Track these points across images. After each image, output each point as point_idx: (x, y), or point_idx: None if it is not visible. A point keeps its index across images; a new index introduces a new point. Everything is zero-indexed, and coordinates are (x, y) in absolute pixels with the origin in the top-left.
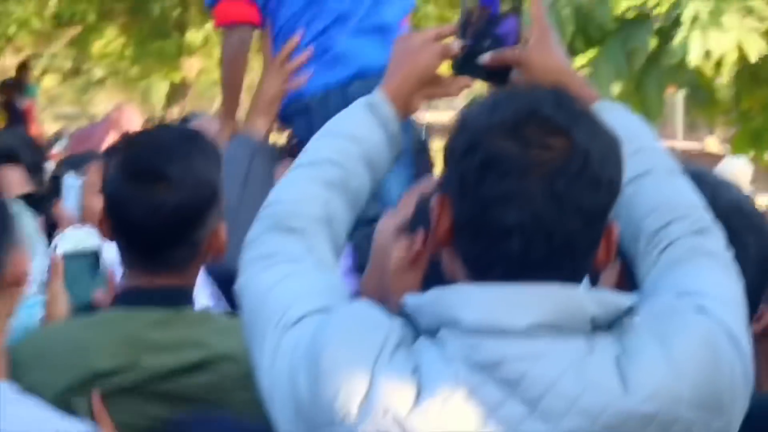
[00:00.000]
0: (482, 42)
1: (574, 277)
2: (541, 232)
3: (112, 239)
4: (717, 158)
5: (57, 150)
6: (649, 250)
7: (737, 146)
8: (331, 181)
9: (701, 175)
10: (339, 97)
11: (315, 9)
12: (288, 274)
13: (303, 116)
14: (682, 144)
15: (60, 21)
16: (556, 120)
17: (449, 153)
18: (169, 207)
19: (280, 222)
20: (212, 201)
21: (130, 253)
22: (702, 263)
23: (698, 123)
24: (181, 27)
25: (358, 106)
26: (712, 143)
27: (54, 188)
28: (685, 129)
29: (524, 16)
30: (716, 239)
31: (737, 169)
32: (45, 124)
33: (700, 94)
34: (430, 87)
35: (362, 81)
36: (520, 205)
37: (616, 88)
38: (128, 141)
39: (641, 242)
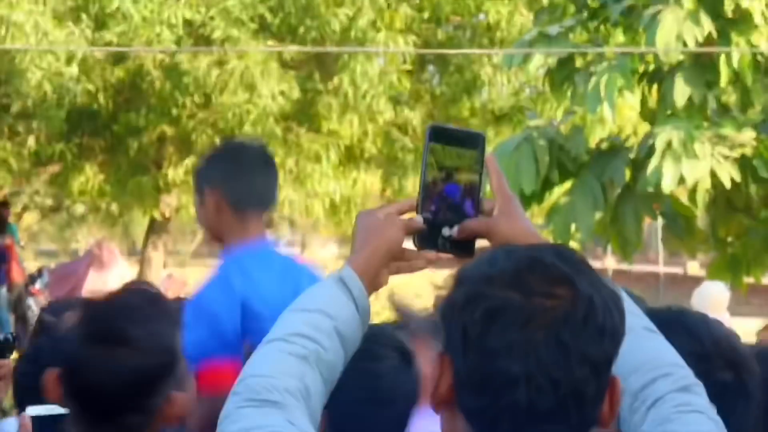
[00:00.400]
0: (443, 215)
1: (581, 428)
2: (548, 382)
3: (62, 404)
4: (699, 282)
5: (39, 287)
6: (636, 408)
7: (714, 273)
8: (305, 355)
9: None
10: None
11: None
12: None
13: None
14: (664, 269)
15: (39, 159)
16: (559, 269)
17: (448, 308)
18: (127, 371)
19: (258, 395)
20: (170, 368)
21: (81, 419)
22: (690, 420)
23: (680, 248)
24: (159, 164)
25: (329, 281)
26: (694, 267)
27: (41, 330)
28: (666, 254)
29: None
30: (701, 396)
31: (715, 294)
32: (26, 262)
33: (677, 222)
34: (395, 262)
35: None
36: (525, 354)
37: (594, 218)
38: (89, 303)
39: (626, 400)
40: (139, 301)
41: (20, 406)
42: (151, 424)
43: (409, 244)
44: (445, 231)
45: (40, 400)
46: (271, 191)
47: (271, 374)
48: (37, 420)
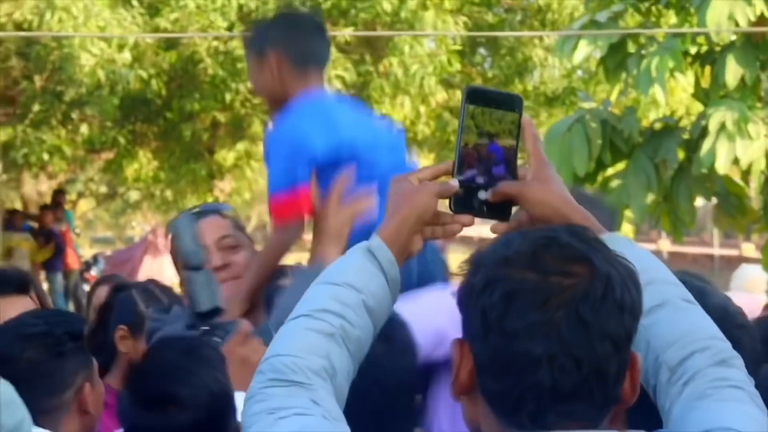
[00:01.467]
0: (479, 179)
1: (604, 406)
2: (570, 360)
3: None
4: (755, 264)
5: (95, 273)
6: (673, 382)
7: None
8: (332, 332)
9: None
10: None
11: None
12: (300, 427)
13: None
14: (719, 251)
15: (93, 147)
16: (574, 247)
17: (466, 293)
18: (186, 427)
19: (282, 376)
20: (227, 410)
21: None
22: (727, 395)
23: (734, 230)
24: (212, 150)
25: (357, 252)
26: (749, 249)
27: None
28: (722, 236)
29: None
30: (739, 370)
31: (752, 276)
32: (82, 249)
33: (731, 202)
34: (431, 227)
35: None
36: (546, 334)
37: (647, 198)
38: (134, 369)
39: (663, 374)
40: (177, 356)
41: None
42: None
43: (445, 208)
44: (482, 195)
45: None
46: (327, 49)
47: (296, 353)
48: None
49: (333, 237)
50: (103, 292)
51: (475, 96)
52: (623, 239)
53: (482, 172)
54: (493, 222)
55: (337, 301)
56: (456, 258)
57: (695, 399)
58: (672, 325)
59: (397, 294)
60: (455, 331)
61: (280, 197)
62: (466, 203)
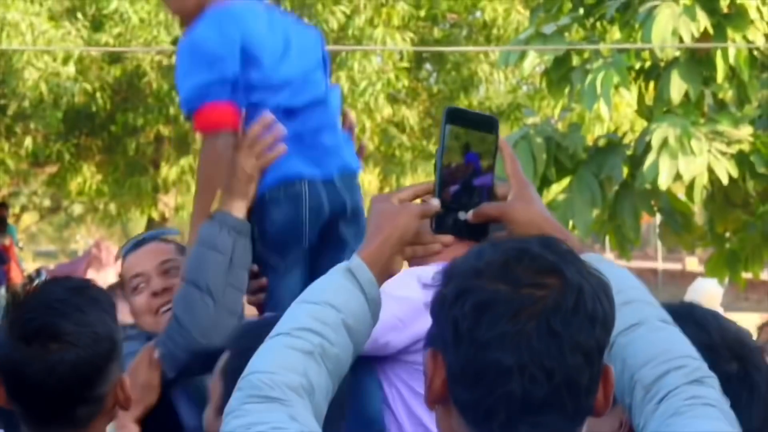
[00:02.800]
0: (460, 199)
1: (576, 418)
2: (541, 371)
3: (8, 405)
4: (698, 278)
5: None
6: (648, 400)
7: (712, 268)
8: (310, 350)
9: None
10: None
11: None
12: None
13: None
14: (662, 265)
15: (37, 160)
16: (545, 258)
17: (438, 303)
18: (66, 365)
19: (259, 392)
20: (111, 354)
21: (30, 416)
22: (701, 413)
23: (677, 244)
24: (156, 163)
25: (337, 272)
26: (693, 263)
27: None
28: (665, 250)
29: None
30: (713, 389)
31: (708, 290)
32: (25, 262)
33: (675, 218)
34: (411, 246)
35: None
36: (517, 345)
37: (592, 214)
38: (17, 300)
39: (638, 392)
40: (65, 292)
41: None
42: (101, 411)
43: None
44: (461, 215)
45: None
46: None
47: (274, 370)
48: None
49: (239, 190)
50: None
51: (455, 117)
52: (601, 258)
53: (463, 193)
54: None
55: (316, 319)
56: None
57: (669, 416)
58: (648, 345)
59: (377, 314)
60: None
61: (207, 107)
62: (446, 223)
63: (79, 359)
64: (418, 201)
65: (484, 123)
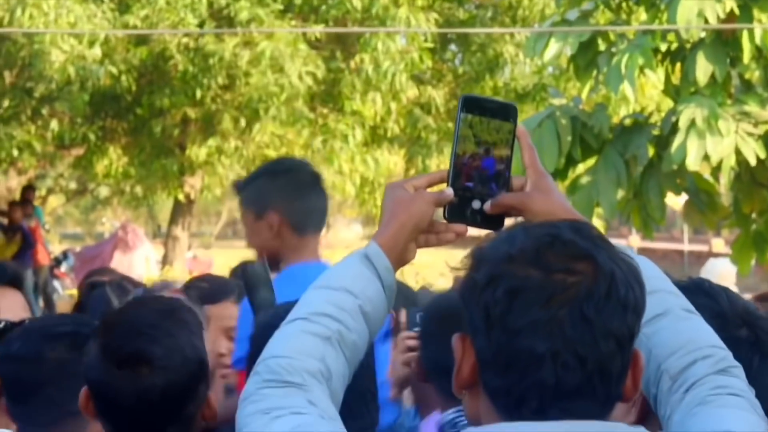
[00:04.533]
0: (474, 188)
1: (607, 404)
2: (574, 358)
3: (98, 420)
4: (723, 258)
5: (64, 269)
6: (674, 390)
7: (738, 249)
8: (328, 335)
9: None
10: None
11: None
12: (296, 425)
13: None
14: (689, 247)
15: (63, 143)
16: (577, 244)
17: (469, 288)
18: (157, 389)
19: (277, 377)
20: (200, 375)
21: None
22: (727, 402)
23: (704, 226)
24: (183, 146)
25: (354, 258)
26: (719, 245)
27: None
28: (691, 232)
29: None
30: (739, 378)
31: (720, 269)
32: (51, 245)
33: (701, 199)
34: (425, 235)
35: None
36: (549, 331)
37: (617, 194)
38: (107, 323)
39: (664, 383)
40: (155, 316)
41: None
42: (190, 429)
43: (438, 217)
44: (475, 204)
45: None
46: (325, 213)
47: (292, 355)
48: None
49: None
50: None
51: (471, 105)
52: (626, 248)
53: (478, 182)
54: (486, 231)
55: (334, 305)
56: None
57: (695, 405)
58: (674, 334)
59: (392, 300)
60: None
61: (242, 375)
62: (460, 212)
63: (169, 383)
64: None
65: (501, 111)
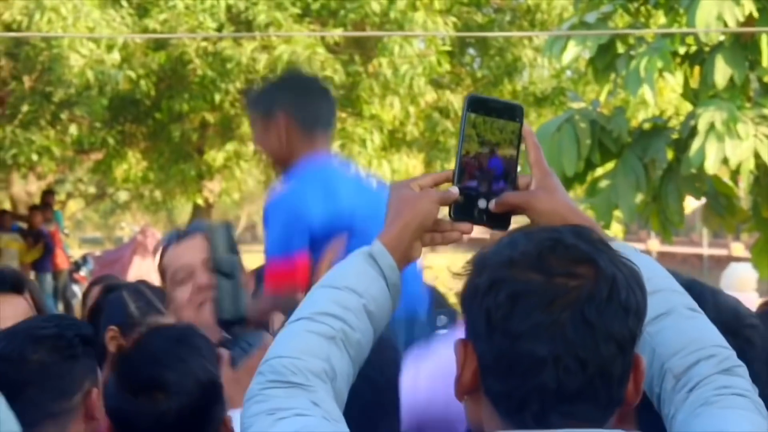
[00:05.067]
0: (480, 188)
1: (609, 407)
2: (575, 361)
3: None
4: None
5: (83, 273)
6: (678, 389)
7: (758, 253)
8: (332, 335)
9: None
10: None
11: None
12: (300, 427)
13: None
14: (708, 251)
15: (82, 147)
16: (579, 248)
17: (470, 293)
18: (172, 413)
19: (282, 377)
20: (214, 398)
21: None
22: (731, 403)
23: (723, 230)
24: (201, 150)
25: (358, 257)
26: (738, 249)
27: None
28: (711, 236)
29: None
30: (743, 378)
31: (741, 274)
32: (71, 249)
33: (720, 202)
34: (430, 234)
35: None
36: (551, 335)
37: (636, 198)
38: (123, 354)
39: (668, 382)
40: (167, 343)
41: None
42: None
43: (445, 216)
44: (481, 203)
45: None
46: (333, 114)
47: (296, 355)
48: None
49: None
50: (97, 292)
51: (476, 105)
52: (627, 246)
53: (483, 181)
54: (492, 231)
55: (338, 304)
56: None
57: (699, 406)
58: (677, 334)
59: (397, 299)
60: None
61: (275, 264)
62: (465, 211)
63: (183, 407)
64: (439, 188)
65: (507, 111)
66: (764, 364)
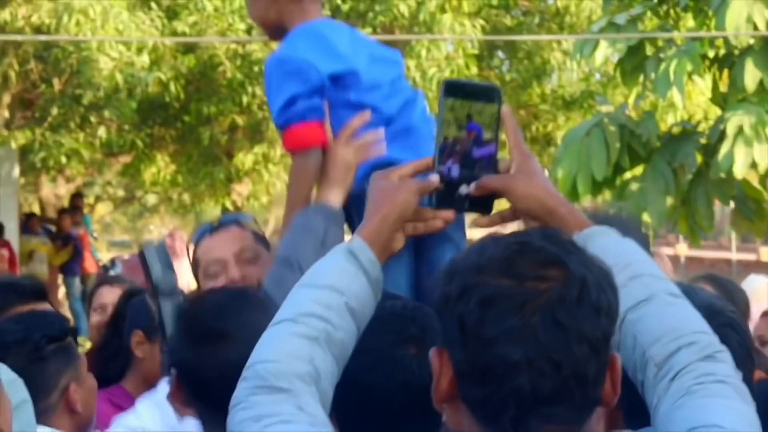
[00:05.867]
0: (461, 172)
1: (585, 408)
2: (549, 364)
3: (188, 408)
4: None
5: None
6: (660, 378)
7: None
8: (315, 336)
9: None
10: None
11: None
12: None
13: None
14: (736, 255)
15: (111, 150)
16: (547, 250)
17: (443, 301)
18: (236, 363)
19: (266, 382)
20: None
21: (209, 414)
22: (713, 391)
23: (752, 234)
24: (230, 153)
25: (338, 253)
26: (767, 253)
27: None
28: (739, 240)
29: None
30: (725, 364)
31: (757, 284)
32: (99, 252)
33: (749, 206)
34: (413, 223)
35: None
36: (523, 339)
37: (665, 203)
38: (182, 310)
39: (650, 370)
40: (225, 298)
41: None
42: None
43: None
44: (463, 189)
45: None
46: None
47: (279, 359)
48: None
49: (337, 180)
50: (106, 291)
51: (453, 89)
52: (609, 232)
53: (463, 167)
54: (475, 216)
55: (319, 304)
56: None
57: (681, 395)
58: (658, 320)
59: (379, 294)
60: None
61: (296, 127)
62: (447, 198)
63: (246, 357)
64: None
65: (484, 93)
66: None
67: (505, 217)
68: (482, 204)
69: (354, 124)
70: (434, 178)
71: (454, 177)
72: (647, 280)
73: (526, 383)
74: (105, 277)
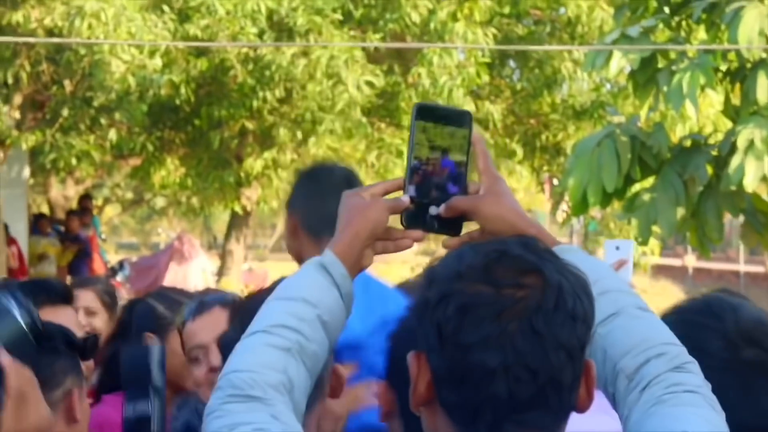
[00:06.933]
0: (431, 194)
1: (560, 414)
2: (525, 371)
3: None
4: None
5: (120, 279)
6: (630, 389)
7: None
8: (288, 347)
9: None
10: None
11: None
12: None
13: None
14: (744, 268)
15: (121, 152)
16: (525, 258)
17: (421, 307)
18: None
19: (240, 391)
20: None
21: None
22: (683, 400)
23: (761, 246)
24: (240, 157)
25: (310, 267)
26: None
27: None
28: (747, 252)
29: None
30: (695, 374)
31: None
32: (107, 254)
33: (758, 219)
34: (382, 242)
35: None
36: (501, 346)
37: (676, 214)
38: (238, 307)
39: (621, 382)
40: None
41: None
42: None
43: (396, 223)
44: (433, 210)
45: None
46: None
47: (253, 368)
48: None
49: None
50: (82, 295)
51: (425, 112)
52: (576, 249)
53: (433, 188)
54: (444, 237)
55: (293, 316)
56: None
57: (651, 405)
58: (627, 333)
59: (350, 307)
60: None
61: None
62: (417, 218)
63: None
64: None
65: (456, 117)
66: None
67: (473, 238)
68: (451, 225)
69: (343, 374)
70: (405, 199)
71: (423, 197)
72: (615, 296)
73: (502, 390)
74: (74, 281)
